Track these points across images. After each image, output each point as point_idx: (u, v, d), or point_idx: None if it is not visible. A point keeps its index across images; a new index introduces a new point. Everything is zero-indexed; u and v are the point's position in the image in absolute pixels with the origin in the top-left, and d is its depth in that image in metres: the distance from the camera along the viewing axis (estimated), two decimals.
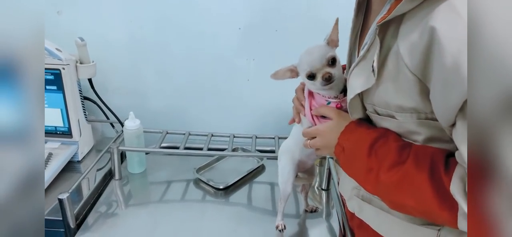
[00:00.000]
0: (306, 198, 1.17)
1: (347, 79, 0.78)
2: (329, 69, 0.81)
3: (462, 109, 0.56)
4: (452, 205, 0.61)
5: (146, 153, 1.41)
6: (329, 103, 0.86)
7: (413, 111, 0.66)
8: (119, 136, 1.37)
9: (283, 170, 1.01)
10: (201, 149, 1.31)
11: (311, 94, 0.89)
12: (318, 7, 1.39)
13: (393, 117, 0.71)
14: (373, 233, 0.84)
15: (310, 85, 0.87)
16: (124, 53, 1.52)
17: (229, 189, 1.29)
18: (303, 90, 0.93)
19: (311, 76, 0.83)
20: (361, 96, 0.75)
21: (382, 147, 0.72)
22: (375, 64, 0.66)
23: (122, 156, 1.40)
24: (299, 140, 0.96)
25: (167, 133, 1.40)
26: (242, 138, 1.43)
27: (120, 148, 1.29)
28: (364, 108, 0.77)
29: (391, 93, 0.68)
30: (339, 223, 1.13)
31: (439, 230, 0.73)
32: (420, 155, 0.67)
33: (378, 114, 0.74)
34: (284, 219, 1.07)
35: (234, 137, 1.40)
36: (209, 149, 1.33)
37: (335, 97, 0.86)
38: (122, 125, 1.34)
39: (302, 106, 0.92)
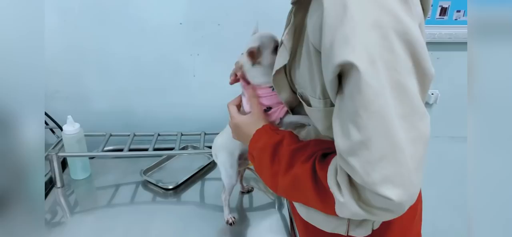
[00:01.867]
0: (241, 181, 1.21)
1: None
2: None
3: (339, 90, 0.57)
4: (331, 197, 0.61)
5: (90, 158, 1.35)
6: None
7: (321, 97, 0.65)
8: (59, 142, 1.30)
9: (225, 166, 1.01)
10: (147, 149, 1.28)
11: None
12: None
13: (308, 103, 0.69)
14: (301, 218, 0.86)
15: (268, 59, 0.83)
16: (61, 55, 1.44)
17: (179, 189, 1.27)
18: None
19: (277, 48, 0.82)
20: (288, 75, 0.74)
21: (280, 152, 0.73)
22: (284, 38, 0.67)
23: (64, 163, 1.33)
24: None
25: (111, 135, 1.35)
26: (191, 135, 1.41)
27: (60, 154, 1.23)
28: (293, 90, 0.76)
29: (306, 74, 0.67)
30: (288, 209, 1.15)
31: None
32: (306, 156, 0.68)
33: (302, 97, 0.72)
34: (235, 212, 1.07)
35: (182, 135, 1.38)
36: (156, 149, 1.30)
37: None
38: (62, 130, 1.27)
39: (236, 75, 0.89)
